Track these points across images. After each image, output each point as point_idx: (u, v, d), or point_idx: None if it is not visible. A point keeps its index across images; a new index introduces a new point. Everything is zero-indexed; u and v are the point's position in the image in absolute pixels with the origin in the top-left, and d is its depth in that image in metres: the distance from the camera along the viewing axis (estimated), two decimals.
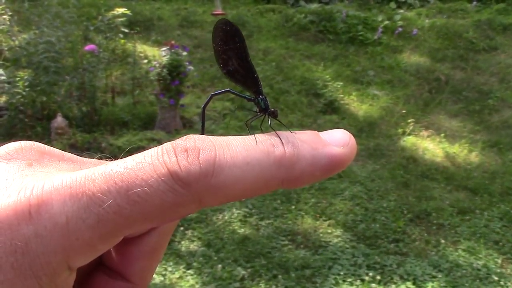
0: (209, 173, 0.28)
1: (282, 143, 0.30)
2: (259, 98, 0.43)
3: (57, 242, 0.28)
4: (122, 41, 6.95)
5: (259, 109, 0.44)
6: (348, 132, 0.31)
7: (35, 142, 0.34)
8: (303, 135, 0.30)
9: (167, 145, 0.29)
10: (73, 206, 0.28)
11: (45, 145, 0.34)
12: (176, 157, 0.28)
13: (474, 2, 9.42)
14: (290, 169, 0.29)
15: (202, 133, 0.38)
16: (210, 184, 0.28)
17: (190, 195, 0.28)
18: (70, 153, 0.35)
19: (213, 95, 0.48)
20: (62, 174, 0.29)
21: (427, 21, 8.83)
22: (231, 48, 0.40)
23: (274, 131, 0.31)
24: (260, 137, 0.30)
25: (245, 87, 0.42)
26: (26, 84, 5.10)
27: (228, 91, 0.48)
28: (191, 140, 0.29)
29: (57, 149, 0.35)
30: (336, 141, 0.31)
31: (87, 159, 0.35)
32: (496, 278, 3.89)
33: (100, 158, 0.36)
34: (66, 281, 0.30)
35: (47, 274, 0.28)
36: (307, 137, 0.30)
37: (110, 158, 0.34)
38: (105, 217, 0.28)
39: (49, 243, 0.28)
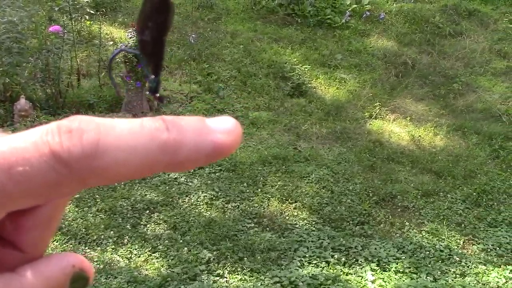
0: (92, 155, 0.28)
1: (168, 128, 0.29)
2: (153, 79, 0.43)
3: None
4: (88, 22, 6.85)
5: (150, 89, 0.43)
6: (234, 120, 0.31)
7: None
8: (189, 121, 0.30)
9: (52, 125, 0.29)
10: None
11: None
12: (60, 137, 0.28)
13: None
14: (174, 154, 0.29)
15: (113, 85, 0.37)
16: (92, 166, 0.28)
17: (72, 175, 0.28)
18: None
19: (111, 58, 0.48)
20: None
21: (394, 5, 8.88)
22: (156, 20, 0.40)
23: (160, 115, 0.31)
24: (146, 121, 0.30)
25: (148, 61, 0.42)
26: None
27: (122, 50, 0.49)
28: (76, 121, 0.29)
29: None
30: (221, 128, 0.31)
31: None
32: (457, 259, 3.96)
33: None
34: None
35: None
36: (193, 123, 0.30)
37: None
38: None
39: None
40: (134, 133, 0.29)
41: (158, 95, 0.44)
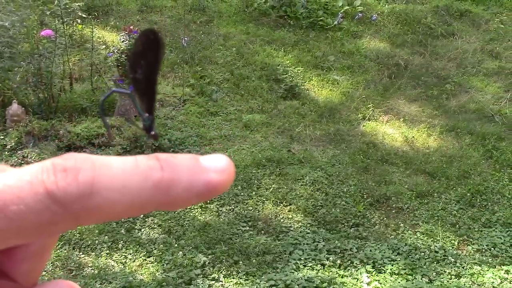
0: (86, 194, 0.28)
1: (161, 167, 0.29)
2: (147, 118, 0.43)
3: None
4: (80, 26, 6.83)
5: (144, 127, 0.44)
6: (228, 158, 0.32)
7: None
8: (183, 160, 0.30)
9: (47, 163, 0.29)
10: None
11: None
12: (55, 176, 0.28)
13: None
14: (167, 194, 0.30)
15: (106, 128, 0.37)
16: (86, 205, 0.28)
17: (66, 214, 0.28)
18: None
19: (103, 100, 0.49)
20: None
21: (386, 6, 8.90)
22: (147, 58, 0.40)
23: (154, 153, 0.31)
24: (140, 159, 0.30)
25: (141, 99, 0.42)
26: None
27: (113, 91, 0.49)
28: (72, 159, 0.29)
29: None
30: (215, 167, 0.30)
31: None
32: (452, 260, 3.97)
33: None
34: None
35: None
36: (187, 162, 0.30)
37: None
38: None
39: None
40: (129, 172, 0.29)
41: (153, 132, 0.44)
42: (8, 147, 4.72)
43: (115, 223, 4.14)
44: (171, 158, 0.30)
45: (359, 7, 8.63)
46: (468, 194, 4.82)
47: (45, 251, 0.35)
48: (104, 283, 3.55)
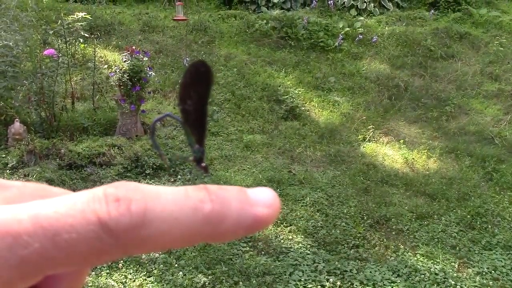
0: (138, 225, 0.28)
1: (211, 199, 0.30)
2: (197, 149, 0.43)
3: None
4: (82, 45, 6.87)
5: (194, 159, 0.44)
6: (274, 192, 0.32)
7: None
8: (232, 192, 0.31)
9: (99, 192, 0.29)
10: None
11: None
12: (107, 206, 0.28)
13: (432, 11, 9.60)
14: (216, 227, 0.30)
15: (157, 151, 0.38)
16: (137, 236, 0.28)
17: (116, 244, 0.28)
18: None
19: (156, 121, 0.49)
20: None
21: (386, 28, 8.96)
22: (197, 89, 0.40)
23: (204, 184, 0.31)
24: (190, 190, 0.30)
25: (192, 130, 0.42)
26: None
27: (168, 115, 0.49)
28: (123, 189, 0.29)
29: None
30: (263, 201, 0.31)
31: (10, 182, 0.35)
32: (452, 282, 3.96)
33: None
34: None
35: None
36: (235, 195, 0.31)
37: (50, 182, 0.34)
38: (29, 259, 0.27)
39: None
40: (179, 203, 0.29)
41: (203, 164, 0.44)
42: (10, 165, 4.73)
43: None
44: (220, 191, 0.30)
45: (360, 29, 8.70)
46: (468, 216, 4.82)
47: (79, 280, 0.35)
48: None
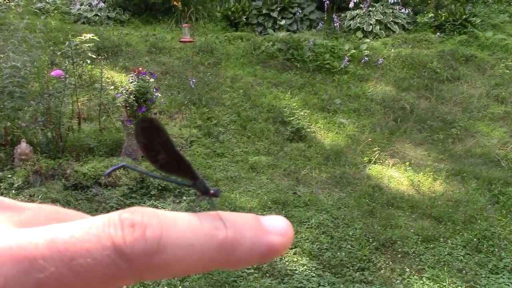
0: (153, 251, 0.28)
1: (226, 227, 0.30)
2: (197, 183, 0.43)
3: None
4: (89, 66, 6.92)
5: (201, 192, 0.44)
6: (287, 221, 0.32)
7: None
8: (245, 220, 0.31)
9: (114, 217, 0.29)
10: (13, 269, 0.27)
11: None
12: (123, 231, 0.28)
13: (438, 33, 9.63)
14: (230, 254, 0.30)
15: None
16: (152, 262, 0.28)
17: (131, 269, 0.28)
18: (9, 199, 0.35)
19: (109, 171, 0.50)
20: (3, 231, 0.29)
21: (392, 50, 8.98)
22: (156, 143, 0.41)
23: (217, 212, 0.31)
24: (204, 218, 0.30)
25: (181, 175, 0.43)
26: None
27: (123, 165, 0.50)
28: (139, 215, 0.29)
29: None
30: (276, 229, 0.31)
31: (26, 204, 0.35)
32: None
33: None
34: None
35: None
36: (250, 223, 0.31)
37: (55, 202, 0.34)
38: (45, 283, 0.27)
39: None
40: (194, 230, 0.29)
41: (212, 191, 0.44)
42: (16, 185, 4.74)
43: None
44: (234, 218, 0.30)
45: (366, 51, 8.73)
46: (475, 239, 4.79)
47: None
48: None
